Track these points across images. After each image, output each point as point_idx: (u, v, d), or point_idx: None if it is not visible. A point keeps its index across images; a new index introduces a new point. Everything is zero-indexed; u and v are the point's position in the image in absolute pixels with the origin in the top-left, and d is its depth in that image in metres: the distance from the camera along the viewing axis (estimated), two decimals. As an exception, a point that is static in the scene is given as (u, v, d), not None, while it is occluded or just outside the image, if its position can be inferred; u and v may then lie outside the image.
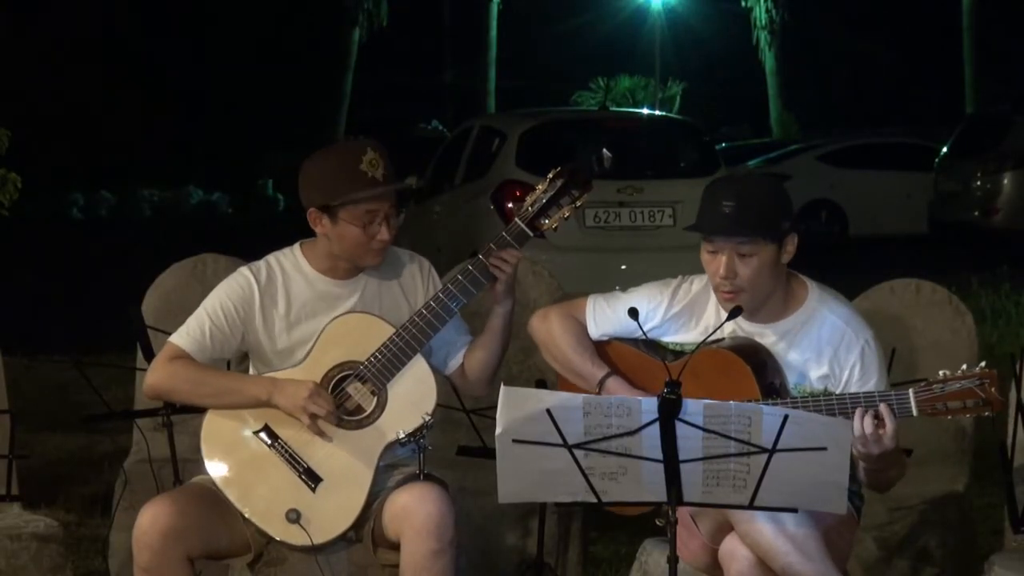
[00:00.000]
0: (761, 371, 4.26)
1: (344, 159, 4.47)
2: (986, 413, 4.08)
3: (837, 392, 4.26)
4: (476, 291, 4.51)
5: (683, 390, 3.72)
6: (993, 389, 4.03)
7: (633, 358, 4.49)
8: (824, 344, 4.33)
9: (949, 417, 4.09)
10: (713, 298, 4.41)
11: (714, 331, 4.30)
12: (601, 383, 4.45)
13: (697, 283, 4.47)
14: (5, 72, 28.21)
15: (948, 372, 4.07)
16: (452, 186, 13.64)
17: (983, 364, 4.08)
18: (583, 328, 4.54)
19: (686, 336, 4.44)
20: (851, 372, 4.32)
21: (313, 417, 4.37)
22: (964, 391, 4.04)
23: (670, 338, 4.47)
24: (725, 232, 4.26)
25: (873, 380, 4.30)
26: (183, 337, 4.49)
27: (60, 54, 32.33)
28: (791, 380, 4.34)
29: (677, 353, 4.43)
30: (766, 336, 4.36)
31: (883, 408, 4.06)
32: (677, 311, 4.45)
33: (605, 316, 4.52)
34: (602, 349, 4.53)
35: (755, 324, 4.37)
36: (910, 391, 4.08)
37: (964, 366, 4.08)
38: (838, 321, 4.35)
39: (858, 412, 4.07)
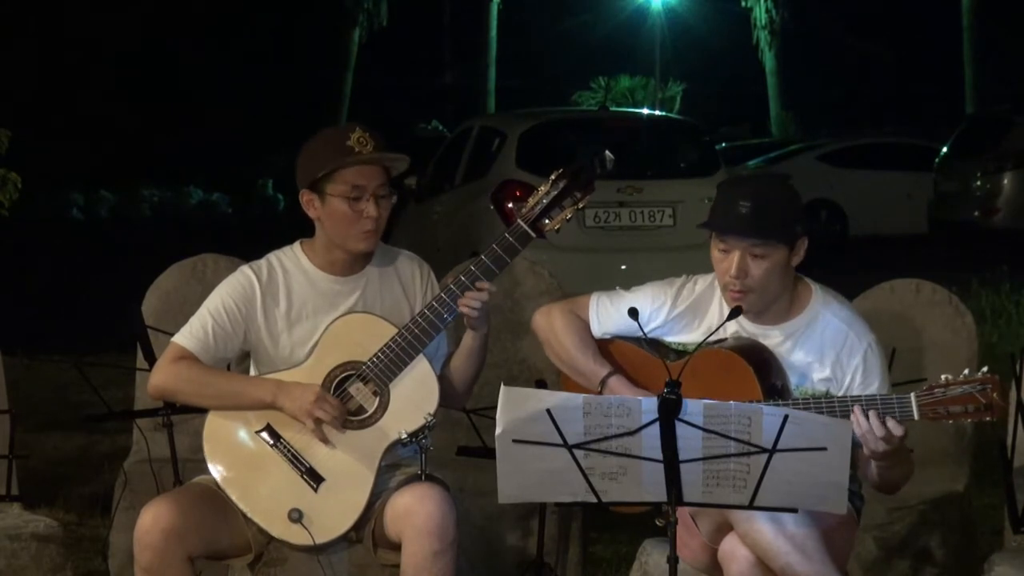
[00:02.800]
0: (763, 372, 4.25)
1: (332, 137, 4.49)
2: (987, 419, 4.05)
3: (839, 395, 4.26)
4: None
5: (685, 390, 3.71)
6: (995, 395, 3.99)
7: (636, 357, 4.47)
8: (827, 347, 4.33)
9: (950, 422, 4.08)
10: (717, 298, 4.40)
11: (714, 331, 4.30)
12: (603, 382, 4.43)
13: (701, 283, 4.46)
14: (5, 72, 28.19)
15: (950, 376, 4.04)
16: (452, 186, 13.64)
17: (985, 369, 4.06)
18: (586, 325, 4.52)
19: (689, 336, 4.42)
20: (853, 376, 4.31)
21: (318, 422, 4.37)
22: (966, 396, 4.01)
23: (673, 338, 4.45)
24: (741, 232, 4.25)
25: (875, 385, 4.30)
26: (186, 337, 4.48)
27: (60, 54, 32.30)
28: (793, 381, 4.33)
29: (680, 353, 4.42)
30: (769, 337, 4.35)
31: (877, 415, 4.06)
32: (681, 311, 4.43)
33: (608, 314, 4.50)
34: (605, 347, 4.51)
35: (759, 325, 4.37)
36: (912, 395, 4.06)
37: (966, 370, 4.06)
38: (841, 325, 4.34)
39: (857, 410, 4.07)
